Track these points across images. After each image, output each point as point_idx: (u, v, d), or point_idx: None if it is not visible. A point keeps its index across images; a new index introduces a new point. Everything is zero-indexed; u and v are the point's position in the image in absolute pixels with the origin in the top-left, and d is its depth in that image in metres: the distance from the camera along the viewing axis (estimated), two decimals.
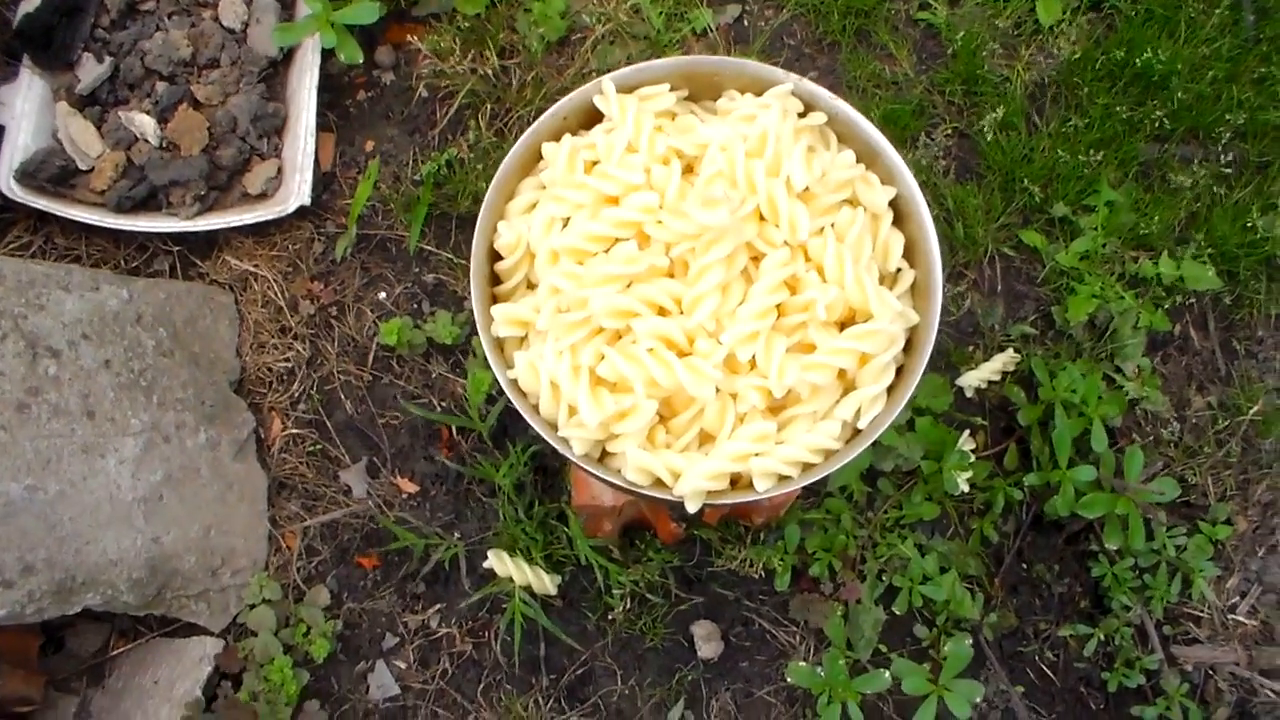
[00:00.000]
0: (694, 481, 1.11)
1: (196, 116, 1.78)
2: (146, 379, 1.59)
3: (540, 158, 1.24)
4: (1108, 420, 1.65)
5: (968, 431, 1.67)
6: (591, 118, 1.24)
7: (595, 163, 1.21)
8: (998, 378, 1.73)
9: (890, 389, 1.16)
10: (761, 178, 1.13)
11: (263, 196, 1.79)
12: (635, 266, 1.13)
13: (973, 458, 1.66)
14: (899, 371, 1.17)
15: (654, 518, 1.63)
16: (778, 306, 1.14)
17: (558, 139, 1.22)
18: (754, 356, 1.13)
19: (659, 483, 1.13)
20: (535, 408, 1.16)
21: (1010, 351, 1.72)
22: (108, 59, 1.78)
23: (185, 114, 1.76)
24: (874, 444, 1.64)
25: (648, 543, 1.72)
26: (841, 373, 1.15)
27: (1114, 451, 1.65)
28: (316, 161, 1.82)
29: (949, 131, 1.87)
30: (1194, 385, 1.82)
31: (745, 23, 1.93)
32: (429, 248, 1.81)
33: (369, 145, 1.82)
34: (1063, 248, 1.77)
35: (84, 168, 1.75)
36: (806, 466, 1.14)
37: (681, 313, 1.14)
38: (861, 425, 1.15)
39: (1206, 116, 1.80)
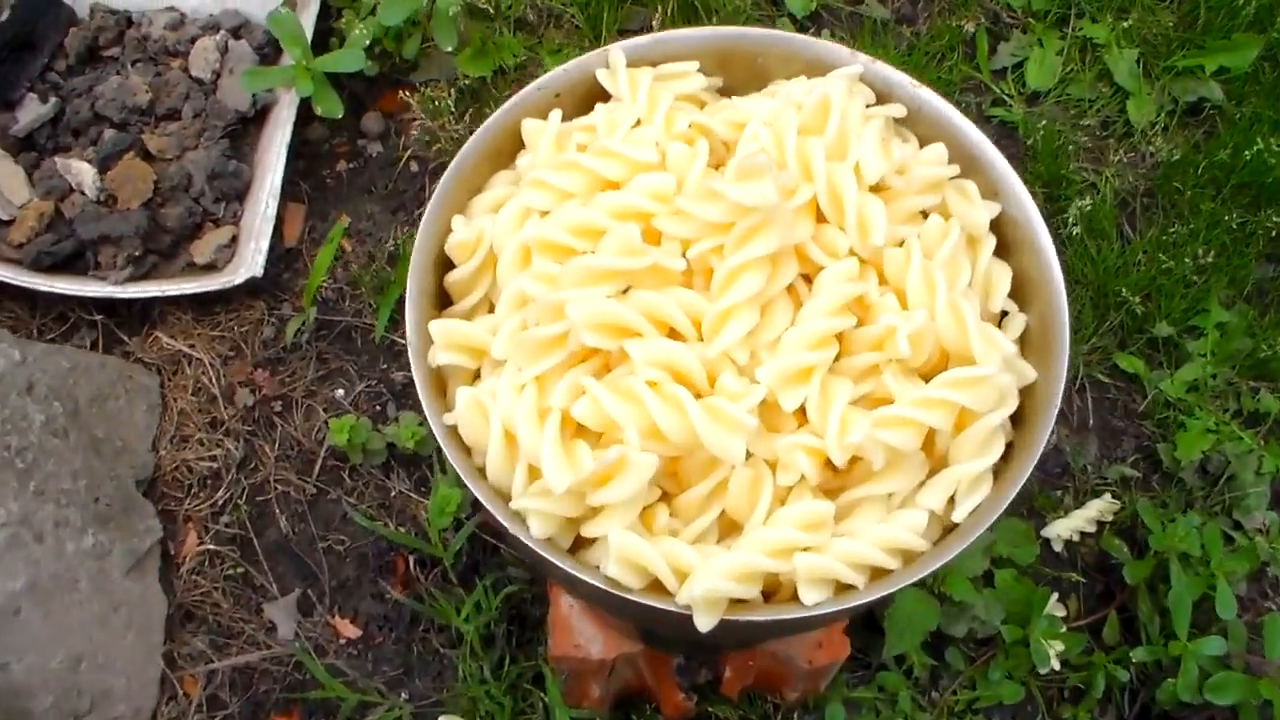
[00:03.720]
0: (710, 582, 0.70)
1: (143, 167, 1.45)
2: (25, 460, 1.21)
3: (520, 146, 0.86)
4: (1233, 583, 1.26)
5: (1055, 595, 1.28)
6: (590, 100, 0.87)
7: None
8: (1092, 529, 1.35)
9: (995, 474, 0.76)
10: (821, 161, 0.75)
11: (211, 268, 1.45)
12: (636, 261, 0.72)
13: (1064, 626, 1.27)
14: (1005, 452, 0.77)
15: (657, 684, 1.21)
16: (839, 338, 0.75)
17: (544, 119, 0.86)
18: (804, 405, 0.72)
19: (656, 585, 0.75)
20: (481, 471, 0.75)
21: (1107, 497, 1.34)
22: (53, 99, 1.48)
23: (130, 163, 1.44)
24: (942, 600, 1.26)
25: (647, 718, 1.30)
26: (929, 440, 0.74)
27: (1243, 622, 1.26)
28: (280, 233, 1.48)
29: None
30: None
31: None
32: (401, 339, 1.45)
33: (345, 220, 1.50)
34: (1167, 375, 1.41)
35: (5, 217, 1.43)
36: (876, 573, 0.73)
37: (701, 338, 0.74)
38: (958, 518, 0.74)
39: None
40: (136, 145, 1.45)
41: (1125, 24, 1.58)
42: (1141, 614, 1.22)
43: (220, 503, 1.31)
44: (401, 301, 1.36)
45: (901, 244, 0.77)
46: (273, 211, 1.42)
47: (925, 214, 0.80)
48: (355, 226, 1.48)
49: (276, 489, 1.32)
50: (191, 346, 1.38)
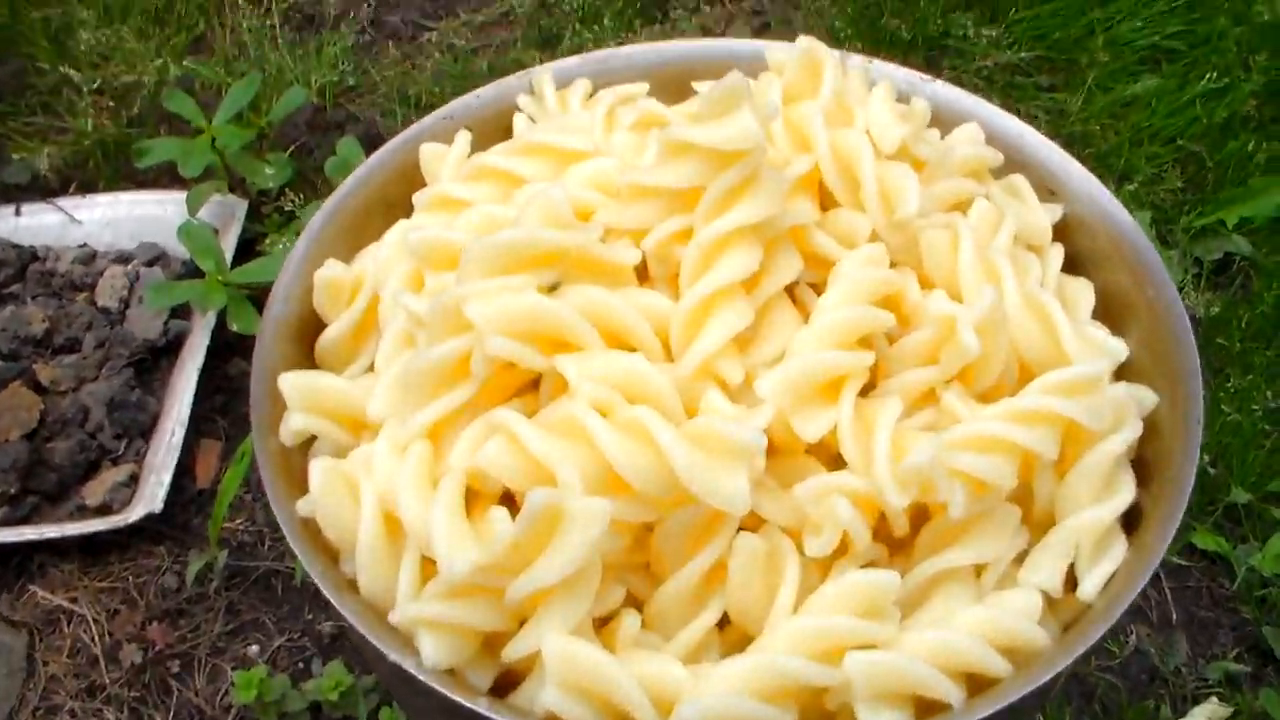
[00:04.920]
0: (711, 702, 0.47)
1: (29, 396, 1.23)
2: None
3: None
4: None
5: None
6: (504, 138, 0.65)
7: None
8: None
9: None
10: (820, 126, 0.53)
11: (105, 510, 1.21)
12: (567, 235, 0.50)
13: None
14: (1131, 519, 0.52)
15: None
16: (864, 345, 0.50)
17: None
18: (835, 431, 0.48)
19: None
20: (352, 583, 0.49)
21: (1214, 701, 1.06)
22: None
23: (14, 391, 1.22)
24: None
25: None
26: (1022, 491, 0.50)
27: None
28: (190, 470, 1.25)
29: None
30: None
31: None
32: None
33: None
34: (1256, 549, 1.16)
35: None
36: (974, 682, 0.47)
37: (670, 359, 0.50)
38: (1086, 594, 0.48)
39: None
40: (26, 375, 1.24)
41: (1131, 188, 1.44)
42: None
43: None
44: None
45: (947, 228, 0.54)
46: (179, 441, 1.20)
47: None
48: None
49: None
50: (73, 600, 1.12)
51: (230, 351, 1.33)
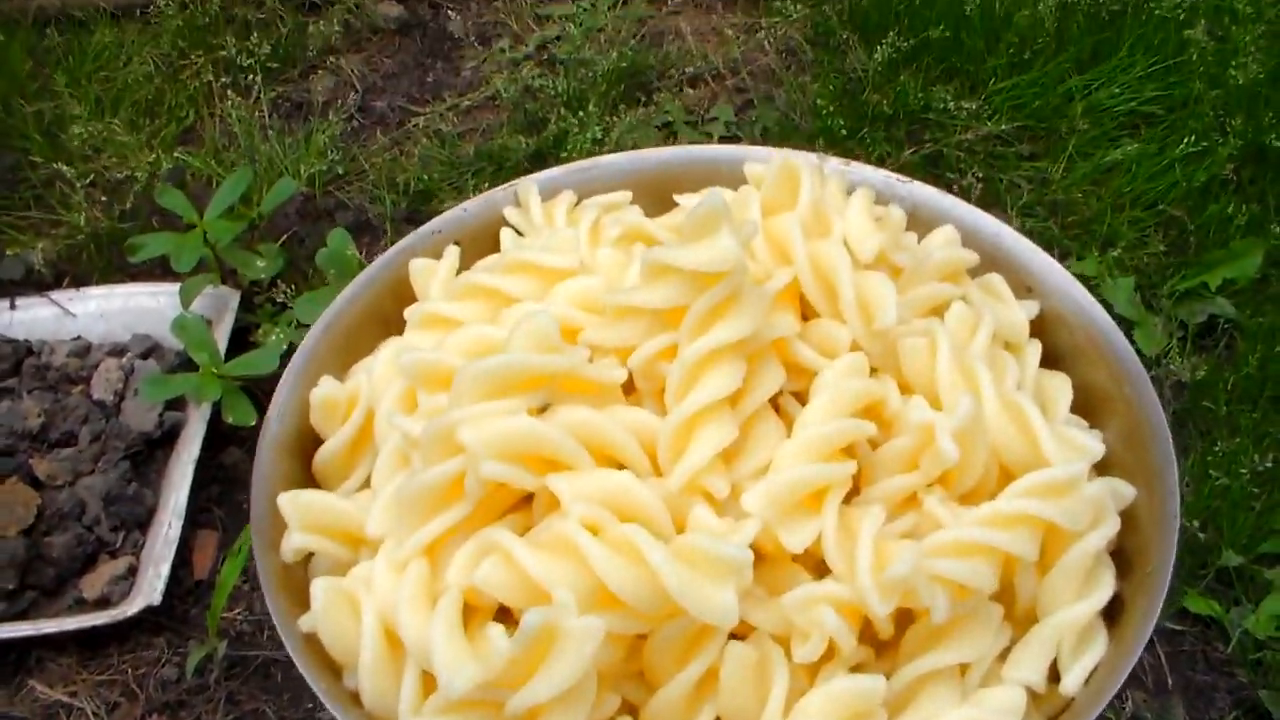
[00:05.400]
0: None
1: (26, 492, 1.25)
2: None
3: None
4: None
5: None
6: (491, 250, 0.68)
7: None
8: None
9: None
10: (799, 237, 0.56)
11: (103, 604, 1.23)
12: (556, 360, 0.52)
13: None
14: (1113, 610, 0.54)
15: None
16: (847, 454, 0.53)
17: None
18: (819, 542, 0.50)
19: None
20: (356, 698, 0.51)
21: None
22: None
23: (11, 487, 1.24)
24: None
25: None
26: (1005, 592, 0.51)
27: None
28: (189, 563, 1.27)
29: None
30: None
31: None
32: None
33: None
34: (1249, 611, 1.17)
35: None
36: None
37: (658, 474, 0.52)
38: (1069, 689, 0.50)
39: None
40: (22, 470, 1.26)
41: (1114, 254, 1.47)
42: None
43: None
44: None
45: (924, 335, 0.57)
46: (176, 533, 1.21)
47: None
48: None
49: None
50: (72, 695, 1.13)
51: (225, 441, 1.35)
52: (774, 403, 0.57)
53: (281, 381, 0.59)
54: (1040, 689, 0.50)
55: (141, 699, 1.12)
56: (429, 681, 0.49)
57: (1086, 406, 0.60)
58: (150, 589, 1.16)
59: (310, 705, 1.15)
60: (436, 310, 0.58)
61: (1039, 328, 0.62)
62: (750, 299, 0.51)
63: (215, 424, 1.32)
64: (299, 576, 0.56)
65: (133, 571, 1.22)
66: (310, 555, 0.57)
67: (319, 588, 0.51)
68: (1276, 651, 1.10)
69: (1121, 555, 0.56)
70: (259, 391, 1.29)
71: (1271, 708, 1.07)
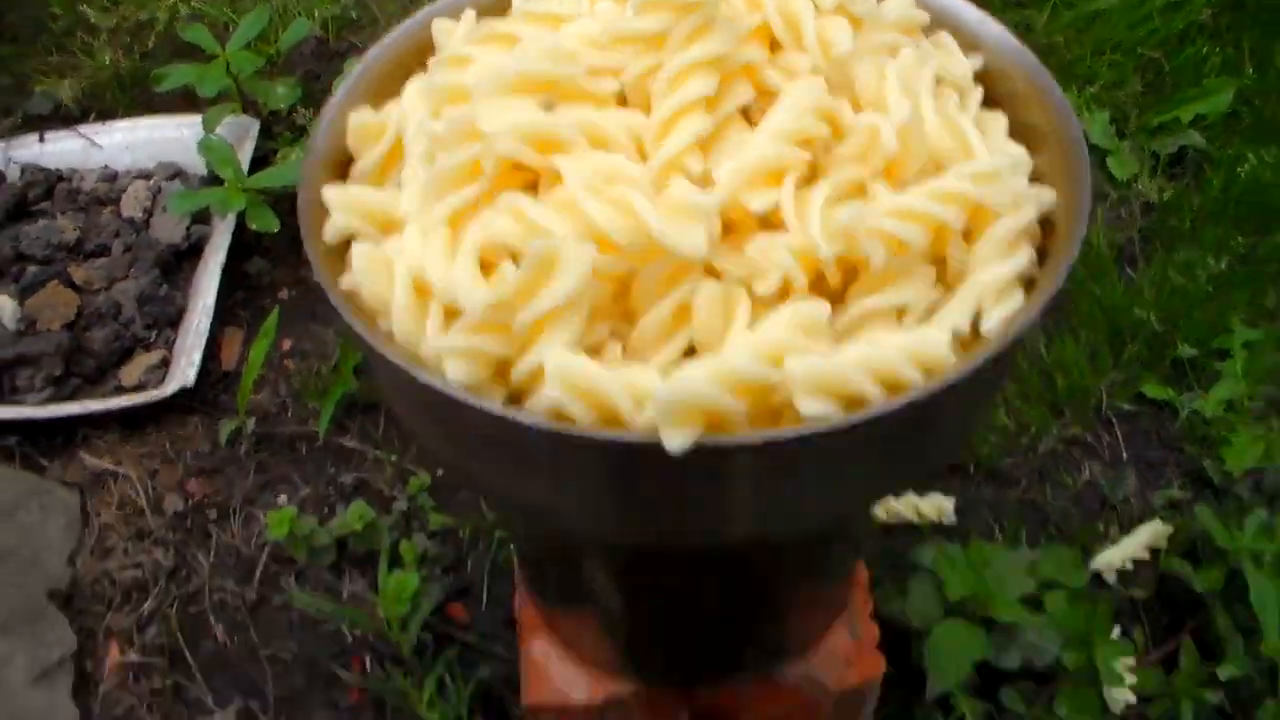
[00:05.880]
0: (679, 385, 0.57)
1: (66, 293, 1.35)
2: None
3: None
4: None
5: (1118, 629, 1.10)
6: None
7: None
8: (1146, 556, 1.18)
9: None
10: None
11: (140, 389, 1.34)
12: (564, 66, 0.61)
13: (1133, 659, 1.07)
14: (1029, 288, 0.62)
15: None
16: (807, 147, 0.61)
17: None
18: (776, 209, 0.59)
19: (611, 419, 0.60)
20: (388, 336, 0.60)
21: (1157, 523, 1.18)
22: None
23: (53, 290, 1.34)
24: (989, 627, 1.06)
25: None
26: (940, 261, 0.61)
27: None
28: (217, 356, 1.38)
29: None
30: None
31: None
32: (352, 444, 1.27)
33: (286, 345, 1.39)
34: (1199, 396, 1.27)
35: None
36: (892, 391, 0.61)
37: (644, 160, 0.62)
38: (988, 327, 0.59)
39: None
40: (61, 276, 1.36)
41: (1092, 90, 1.55)
42: (1220, 627, 1.04)
43: (147, 614, 1.13)
44: (345, 402, 1.24)
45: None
46: (206, 326, 1.32)
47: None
48: (298, 347, 1.37)
49: (212, 598, 1.15)
50: (118, 464, 1.24)
51: (249, 252, 1.45)
52: (746, 118, 0.66)
53: (325, 108, 0.69)
54: (964, 333, 0.60)
55: (179, 466, 1.24)
56: (450, 315, 0.59)
57: (1022, 139, 0.70)
58: (183, 374, 1.27)
59: (333, 470, 1.26)
60: (457, 51, 0.68)
61: (983, 79, 0.71)
62: (725, 26, 0.61)
63: (240, 235, 1.43)
64: (336, 261, 0.66)
65: (166, 363, 1.33)
66: (345, 247, 0.66)
67: (359, 252, 0.61)
68: (1221, 429, 1.20)
69: (1041, 254, 0.65)
70: (279, 211, 1.39)
71: (1213, 475, 1.18)
